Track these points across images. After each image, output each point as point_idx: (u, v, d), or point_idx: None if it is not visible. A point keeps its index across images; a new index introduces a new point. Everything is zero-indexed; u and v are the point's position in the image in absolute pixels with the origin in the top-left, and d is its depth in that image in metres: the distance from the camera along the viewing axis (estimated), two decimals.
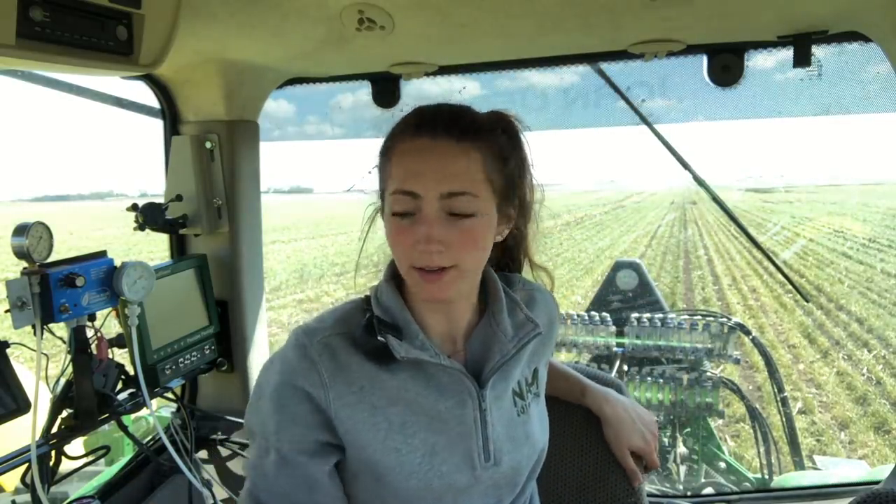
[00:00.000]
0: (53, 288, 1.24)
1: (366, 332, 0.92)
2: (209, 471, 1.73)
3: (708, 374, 3.28)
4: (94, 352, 1.38)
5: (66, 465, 1.40)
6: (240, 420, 1.85)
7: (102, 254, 1.39)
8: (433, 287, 0.90)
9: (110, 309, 1.40)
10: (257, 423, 0.95)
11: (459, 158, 0.88)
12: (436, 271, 0.88)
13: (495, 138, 0.94)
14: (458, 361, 0.98)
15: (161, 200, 1.71)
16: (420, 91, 1.84)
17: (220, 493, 1.66)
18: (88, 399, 1.36)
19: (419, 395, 0.94)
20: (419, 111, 0.94)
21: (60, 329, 1.32)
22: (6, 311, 1.22)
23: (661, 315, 3.32)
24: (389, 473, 0.93)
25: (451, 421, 0.96)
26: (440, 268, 0.88)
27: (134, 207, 1.60)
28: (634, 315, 3.30)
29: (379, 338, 0.91)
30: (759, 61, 1.51)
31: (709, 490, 3.03)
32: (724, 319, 3.30)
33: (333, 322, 0.96)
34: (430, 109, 0.94)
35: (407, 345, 0.93)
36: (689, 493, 2.82)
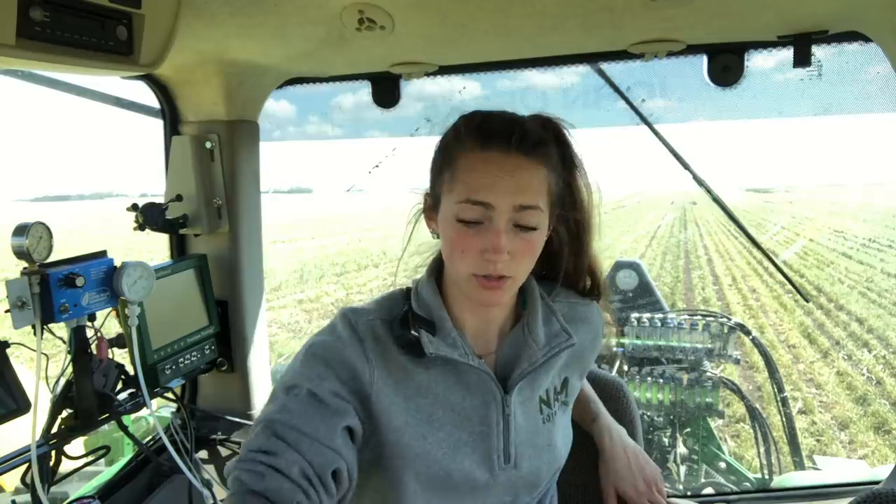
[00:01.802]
0: (53, 288, 1.24)
1: (401, 325, 0.96)
2: (209, 471, 1.73)
3: (708, 374, 3.28)
4: (94, 352, 1.38)
5: (66, 465, 1.40)
6: (240, 420, 1.85)
7: (102, 254, 1.39)
8: (492, 294, 0.93)
9: (110, 309, 1.40)
10: (289, 376, 0.93)
11: (529, 173, 0.91)
12: (496, 279, 0.91)
13: (552, 150, 0.97)
14: (489, 364, 1.00)
15: (161, 200, 1.71)
16: (420, 91, 1.84)
17: (220, 493, 1.66)
18: (88, 399, 1.36)
19: (447, 390, 0.98)
20: (485, 121, 0.96)
21: (60, 329, 1.32)
22: (6, 311, 1.22)
23: (661, 315, 3.32)
24: (415, 459, 0.95)
25: (475, 419, 0.99)
26: (500, 276, 0.91)
27: (134, 207, 1.61)
28: (634, 315, 3.30)
29: (412, 332, 0.95)
30: (759, 61, 1.51)
31: (709, 490, 3.03)
32: (724, 319, 3.30)
33: (378, 308, 1.00)
34: (497, 120, 0.95)
35: (438, 341, 0.96)
36: (689, 493, 2.82)
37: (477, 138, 0.93)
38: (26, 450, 1.26)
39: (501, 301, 0.96)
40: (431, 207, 1.00)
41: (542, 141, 0.94)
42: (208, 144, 1.73)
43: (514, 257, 0.91)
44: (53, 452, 1.35)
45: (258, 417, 0.89)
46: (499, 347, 1.03)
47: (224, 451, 1.82)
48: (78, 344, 1.33)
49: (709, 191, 2.34)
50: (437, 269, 1.03)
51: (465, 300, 0.99)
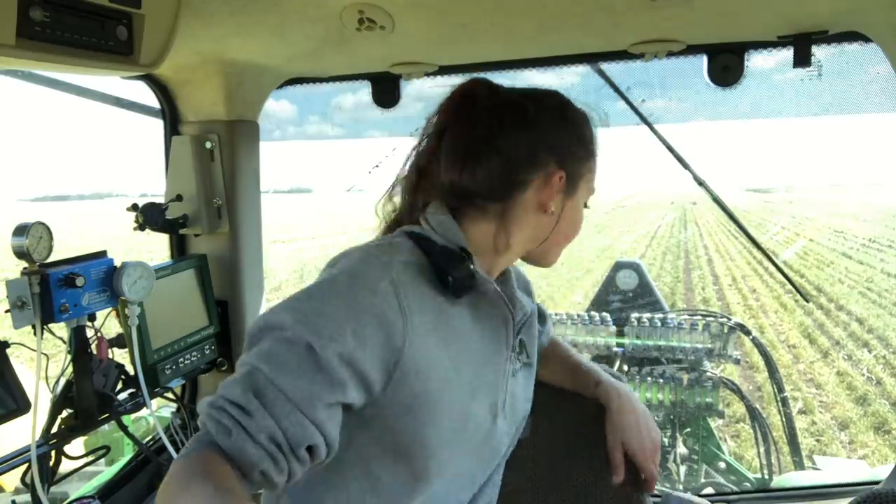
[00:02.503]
0: (53, 288, 1.24)
1: (452, 261, 0.89)
2: None
3: (708, 374, 3.28)
4: (94, 352, 1.38)
5: (66, 465, 1.40)
6: None
7: (102, 254, 1.39)
8: None
9: (110, 309, 1.41)
10: (290, 318, 0.79)
11: None
12: None
13: None
14: None
15: (161, 200, 1.71)
16: (420, 91, 1.84)
17: None
18: (88, 399, 1.36)
19: (472, 333, 0.94)
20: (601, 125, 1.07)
21: (60, 329, 1.32)
22: (6, 311, 1.22)
23: (661, 315, 3.32)
24: (441, 407, 0.88)
25: (488, 365, 0.96)
26: None
27: (134, 207, 1.61)
28: (634, 315, 3.30)
29: (472, 266, 0.90)
30: (759, 61, 1.51)
31: (709, 490, 3.03)
32: (724, 319, 3.30)
33: (398, 248, 0.91)
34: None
35: (487, 278, 0.95)
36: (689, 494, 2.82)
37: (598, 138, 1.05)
38: (26, 450, 1.26)
39: None
40: (564, 189, 0.97)
41: None
42: (208, 144, 1.73)
43: None
44: (53, 452, 1.35)
45: (244, 357, 0.79)
46: None
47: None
48: (78, 344, 1.34)
49: (709, 191, 2.34)
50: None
51: (498, 259, 0.99)
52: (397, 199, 1.03)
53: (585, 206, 1.04)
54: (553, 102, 1.00)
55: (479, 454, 0.99)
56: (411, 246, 0.92)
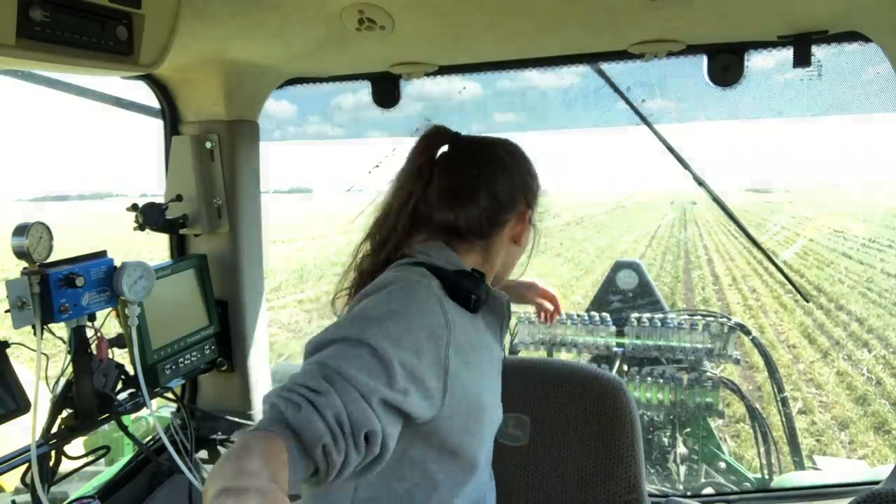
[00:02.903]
0: (53, 288, 1.24)
1: (472, 281, 1.03)
2: (209, 471, 1.72)
3: (708, 374, 3.27)
4: (94, 352, 1.38)
5: (66, 465, 1.40)
6: (240, 420, 1.85)
7: (102, 254, 1.39)
8: None
9: (110, 309, 1.40)
10: (354, 329, 0.87)
11: None
12: None
13: None
14: None
15: (161, 200, 1.71)
16: (420, 91, 1.84)
17: None
18: (88, 399, 1.36)
19: (486, 339, 1.09)
20: None
21: (60, 329, 1.32)
22: (6, 311, 1.22)
23: (661, 315, 3.31)
24: (477, 405, 1.02)
25: (494, 362, 1.12)
26: None
27: (134, 207, 1.61)
28: (634, 315, 3.30)
29: (486, 284, 1.06)
30: (759, 61, 1.51)
31: (709, 490, 3.03)
32: (724, 319, 3.29)
33: (423, 274, 1.01)
34: None
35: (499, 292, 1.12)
36: (689, 493, 2.82)
37: None
38: (26, 450, 1.26)
39: None
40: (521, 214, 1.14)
41: None
42: (208, 144, 1.73)
43: None
44: (53, 452, 1.35)
45: (308, 361, 0.85)
46: None
47: (224, 452, 1.82)
48: (78, 344, 1.33)
49: (709, 191, 2.34)
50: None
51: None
52: (367, 243, 1.14)
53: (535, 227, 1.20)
54: (517, 150, 1.17)
55: (487, 442, 1.12)
56: (428, 272, 1.02)
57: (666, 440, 3.34)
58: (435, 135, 1.13)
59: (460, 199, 1.08)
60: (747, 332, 3.38)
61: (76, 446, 1.43)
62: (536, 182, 1.18)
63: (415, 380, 0.87)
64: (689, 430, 3.38)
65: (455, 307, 1.00)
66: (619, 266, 3.73)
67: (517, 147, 1.17)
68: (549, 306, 1.50)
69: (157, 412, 2.05)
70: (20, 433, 1.32)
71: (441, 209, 1.08)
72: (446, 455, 1.00)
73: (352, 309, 0.95)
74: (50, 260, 1.26)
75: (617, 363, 3.28)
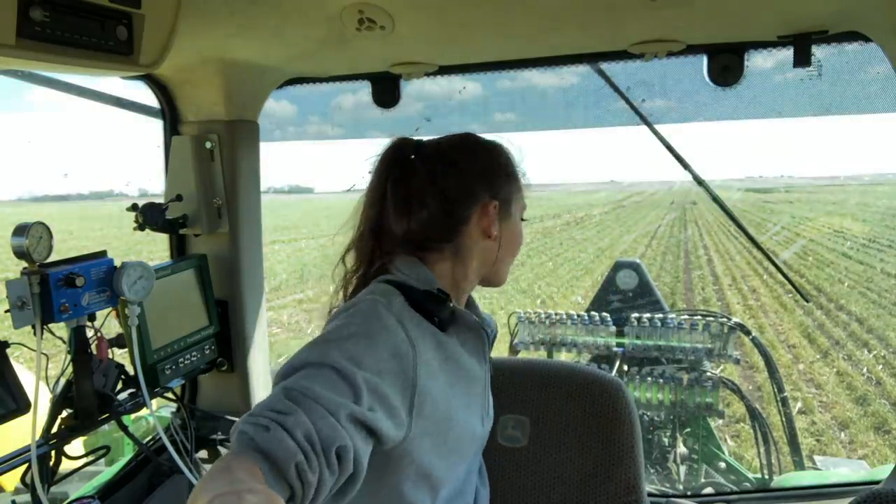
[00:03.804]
0: (53, 288, 1.24)
1: (434, 303, 1.04)
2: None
3: (708, 374, 3.27)
4: (94, 352, 1.38)
5: (66, 465, 1.40)
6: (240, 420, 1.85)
7: (102, 254, 1.39)
8: None
9: (110, 309, 1.40)
10: (315, 353, 0.88)
11: None
12: None
13: None
14: None
15: (161, 200, 1.71)
16: (420, 91, 1.84)
17: None
18: (88, 399, 1.36)
19: (461, 355, 1.09)
20: None
21: (60, 329, 1.32)
22: (6, 311, 1.22)
23: (661, 315, 3.31)
24: (448, 427, 1.02)
25: (475, 379, 1.13)
26: None
27: (134, 207, 1.61)
28: (634, 315, 3.30)
29: (452, 304, 1.05)
30: (758, 61, 1.51)
31: (709, 490, 3.03)
32: (724, 319, 3.29)
33: (391, 294, 1.02)
34: None
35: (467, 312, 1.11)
36: (689, 493, 2.82)
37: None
38: (26, 450, 1.26)
39: None
40: (499, 213, 1.12)
41: None
42: (208, 144, 1.73)
43: None
44: (53, 452, 1.35)
45: (276, 386, 0.85)
46: None
47: (224, 451, 1.82)
48: (78, 344, 1.33)
49: (709, 190, 2.34)
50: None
51: (460, 286, 1.13)
52: (349, 261, 1.16)
53: (523, 219, 1.19)
54: (476, 144, 1.15)
55: (473, 454, 1.15)
56: (394, 290, 1.04)
57: (666, 440, 3.34)
58: (391, 150, 1.13)
59: (410, 207, 1.08)
60: (747, 332, 3.38)
61: (76, 446, 1.43)
62: (505, 171, 1.15)
63: (379, 398, 0.87)
64: (689, 430, 3.38)
65: (421, 326, 1.00)
66: (619, 266, 3.73)
67: (478, 140, 1.16)
68: None
69: (157, 412, 2.05)
70: (21, 433, 1.31)
71: (397, 222, 1.09)
72: (417, 477, 1.00)
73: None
74: (50, 260, 1.27)
75: (617, 363, 3.28)
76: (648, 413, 3.27)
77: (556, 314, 3.33)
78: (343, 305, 1.02)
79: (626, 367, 3.31)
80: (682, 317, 3.29)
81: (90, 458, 1.45)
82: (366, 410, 0.84)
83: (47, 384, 1.35)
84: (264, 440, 0.74)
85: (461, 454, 1.09)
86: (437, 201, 1.08)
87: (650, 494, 1.46)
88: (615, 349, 3.30)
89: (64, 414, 1.37)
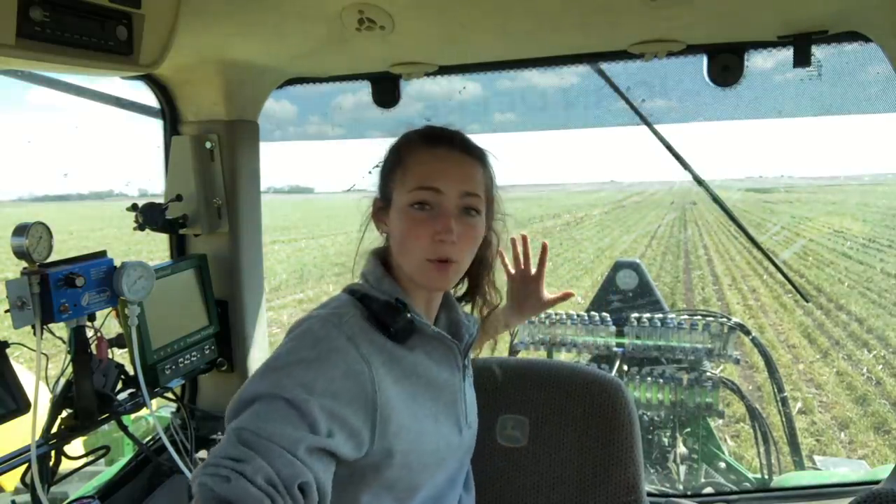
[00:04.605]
0: (53, 288, 1.24)
1: (390, 314, 1.00)
2: None
3: (708, 374, 3.27)
4: (94, 352, 1.38)
5: (66, 465, 1.40)
6: None
7: (102, 254, 1.39)
8: (441, 277, 1.03)
9: (110, 309, 1.40)
10: (264, 386, 0.86)
11: (472, 167, 1.06)
12: (445, 262, 1.01)
13: (487, 165, 1.12)
14: None
15: (161, 200, 1.71)
16: (420, 91, 1.84)
17: None
18: (88, 399, 1.36)
19: (425, 368, 1.05)
20: (431, 129, 1.10)
21: (60, 329, 1.32)
22: (6, 311, 1.22)
23: (661, 315, 3.31)
24: (416, 440, 1.00)
25: (446, 389, 1.09)
26: (448, 259, 1.01)
27: (134, 207, 1.61)
28: (634, 315, 3.30)
29: (408, 315, 1.01)
30: (758, 61, 1.51)
31: (709, 490, 3.03)
32: (724, 319, 3.29)
33: (345, 308, 1.01)
34: (440, 129, 1.10)
35: (425, 322, 1.05)
36: (689, 493, 2.82)
37: (424, 139, 1.07)
38: (26, 450, 1.26)
39: (448, 285, 1.08)
40: (381, 209, 1.10)
41: (481, 152, 1.10)
42: (208, 144, 1.73)
43: (460, 241, 1.01)
44: (53, 452, 1.35)
45: (227, 427, 0.84)
46: (437, 325, 1.15)
47: None
48: (78, 344, 1.33)
49: (709, 190, 2.33)
50: (382, 266, 1.10)
51: (415, 288, 1.07)
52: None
53: (416, 206, 1.02)
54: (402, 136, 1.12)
55: (454, 465, 1.12)
56: (355, 302, 1.03)
57: (666, 440, 3.34)
58: None
59: None
60: (747, 332, 3.37)
61: (76, 446, 1.43)
62: (387, 165, 1.11)
63: (338, 421, 0.87)
64: (689, 430, 3.38)
65: (375, 342, 0.98)
66: (619, 266, 3.73)
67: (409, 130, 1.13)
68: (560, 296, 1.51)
69: (157, 412, 2.05)
70: (21, 433, 1.31)
71: None
72: (380, 489, 0.99)
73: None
74: (50, 260, 1.27)
75: (617, 363, 3.28)
76: (648, 413, 3.27)
77: (555, 314, 3.33)
78: (295, 323, 0.99)
79: (626, 367, 3.31)
80: (682, 317, 3.29)
81: (90, 458, 1.45)
82: (324, 438, 0.84)
83: (47, 384, 1.35)
84: (226, 491, 0.75)
85: (435, 465, 1.05)
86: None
87: (650, 494, 1.46)
88: (615, 349, 3.30)
89: (64, 414, 1.37)
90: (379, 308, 1.01)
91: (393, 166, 1.08)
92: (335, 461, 0.88)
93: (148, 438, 1.79)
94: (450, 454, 1.09)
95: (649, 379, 3.21)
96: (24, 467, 1.29)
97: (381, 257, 1.11)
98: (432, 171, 1.03)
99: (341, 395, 0.88)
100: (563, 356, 3.43)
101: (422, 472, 1.02)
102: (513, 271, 1.52)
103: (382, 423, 0.94)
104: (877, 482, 1.62)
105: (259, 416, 0.83)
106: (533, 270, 1.50)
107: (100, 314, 1.38)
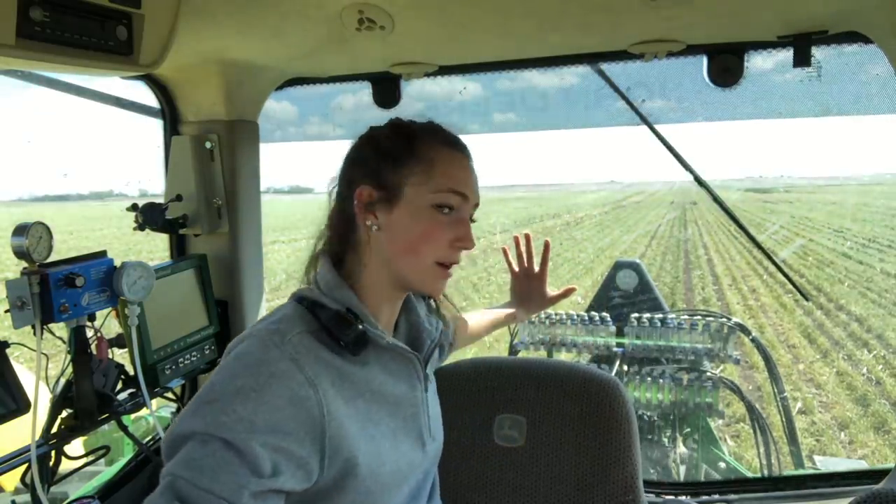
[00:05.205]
0: (53, 288, 1.24)
1: (339, 325, 0.93)
2: None
3: (708, 374, 3.27)
4: (94, 352, 1.38)
5: (66, 465, 1.40)
6: None
7: (102, 254, 1.39)
8: (444, 282, 1.01)
9: (110, 309, 1.40)
10: (200, 423, 0.81)
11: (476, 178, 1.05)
12: (450, 268, 1.00)
13: None
14: None
15: (161, 200, 1.71)
16: (420, 91, 1.84)
17: None
18: (88, 399, 1.36)
19: (381, 383, 0.99)
20: (440, 127, 1.06)
21: (60, 329, 1.32)
22: (6, 311, 1.22)
23: (661, 315, 3.31)
24: (373, 462, 0.93)
25: (405, 403, 1.03)
26: (452, 266, 1.00)
27: (134, 207, 1.61)
28: (634, 315, 3.30)
29: (360, 327, 0.94)
30: (758, 62, 1.51)
31: (708, 490, 3.03)
32: (724, 319, 3.29)
33: (289, 322, 0.93)
34: (452, 134, 1.06)
35: (379, 333, 0.97)
36: (688, 493, 2.82)
37: (446, 140, 1.03)
38: (26, 450, 1.26)
39: (445, 289, 1.04)
40: (379, 201, 0.99)
41: None
42: (208, 144, 1.73)
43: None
44: (53, 452, 1.35)
45: (164, 470, 0.80)
46: (397, 333, 1.11)
47: None
48: (78, 344, 1.33)
49: (709, 190, 2.33)
50: (335, 268, 1.01)
51: (375, 294, 1.00)
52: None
53: (442, 209, 0.97)
54: (368, 130, 1.06)
55: (417, 479, 1.07)
56: (302, 313, 0.95)
57: (666, 440, 3.34)
58: None
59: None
60: (747, 333, 3.37)
61: (76, 446, 1.43)
62: (393, 154, 1.00)
63: (282, 454, 0.81)
64: (688, 430, 3.38)
65: (321, 360, 0.90)
66: (619, 266, 3.73)
67: (375, 127, 1.06)
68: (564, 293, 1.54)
69: (157, 412, 2.05)
70: (21, 433, 1.31)
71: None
72: None
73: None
74: (50, 260, 1.27)
75: (617, 363, 3.28)
76: (648, 413, 3.27)
77: (555, 314, 3.33)
78: (234, 341, 0.92)
79: (626, 367, 3.31)
80: (682, 317, 3.29)
81: (90, 458, 1.45)
82: (268, 479, 0.79)
83: (47, 384, 1.35)
84: None
85: (396, 485, 0.99)
86: (336, 195, 1.05)
87: (649, 493, 1.46)
88: (615, 349, 3.30)
89: (64, 414, 1.37)
90: (328, 319, 0.93)
91: (405, 158, 0.99)
92: (284, 496, 0.83)
93: (148, 438, 1.79)
94: (412, 471, 1.03)
95: (649, 379, 3.21)
96: (24, 467, 1.29)
97: (336, 258, 1.02)
98: (461, 176, 0.99)
99: (285, 426, 0.82)
100: (563, 356, 3.43)
101: (382, 494, 0.96)
102: (516, 269, 1.52)
103: (333, 450, 0.87)
104: (877, 472, 1.62)
105: (195, 463, 0.77)
106: (536, 268, 1.50)
107: (100, 314, 1.38)
